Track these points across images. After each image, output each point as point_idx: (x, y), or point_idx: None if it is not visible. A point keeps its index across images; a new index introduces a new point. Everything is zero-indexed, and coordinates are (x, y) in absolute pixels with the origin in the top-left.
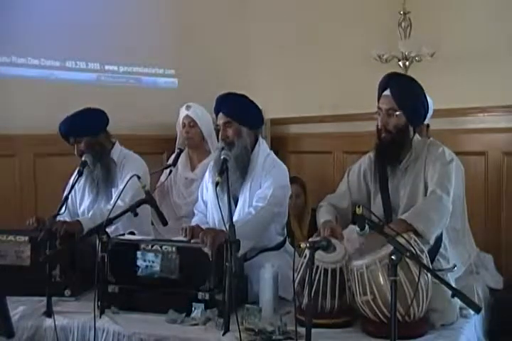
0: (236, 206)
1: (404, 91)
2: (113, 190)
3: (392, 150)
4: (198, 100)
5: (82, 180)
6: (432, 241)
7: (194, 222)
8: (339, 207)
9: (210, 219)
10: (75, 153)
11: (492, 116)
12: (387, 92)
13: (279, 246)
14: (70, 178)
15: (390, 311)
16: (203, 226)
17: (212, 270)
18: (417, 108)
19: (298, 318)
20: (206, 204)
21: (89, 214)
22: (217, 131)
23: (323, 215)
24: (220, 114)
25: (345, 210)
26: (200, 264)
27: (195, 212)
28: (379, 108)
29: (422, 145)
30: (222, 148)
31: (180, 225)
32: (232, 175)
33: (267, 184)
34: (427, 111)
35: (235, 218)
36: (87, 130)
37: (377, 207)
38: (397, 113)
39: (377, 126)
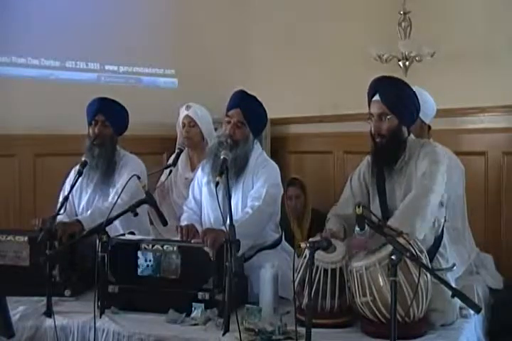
0: None
1: (394, 95)
2: (111, 189)
3: (388, 153)
4: (198, 100)
5: (80, 177)
6: (420, 237)
7: (183, 219)
8: (345, 215)
9: (205, 218)
10: (91, 132)
11: (492, 116)
12: (376, 97)
13: (276, 243)
14: (65, 178)
15: (390, 311)
16: (197, 226)
17: (213, 269)
18: (408, 109)
19: (298, 318)
20: (198, 202)
21: (88, 213)
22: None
23: (329, 226)
24: (238, 110)
25: (351, 216)
26: (201, 264)
27: (185, 208)
28: (370, 113)
29: (416, 146)
30: (221, 143)
31: None
32: (229, 172)
33: (259, 183)
34: (418, 109)
35: None
36: (119, 121)
37: (375, 208)
38: (389, 116)
39: (371, 131)
